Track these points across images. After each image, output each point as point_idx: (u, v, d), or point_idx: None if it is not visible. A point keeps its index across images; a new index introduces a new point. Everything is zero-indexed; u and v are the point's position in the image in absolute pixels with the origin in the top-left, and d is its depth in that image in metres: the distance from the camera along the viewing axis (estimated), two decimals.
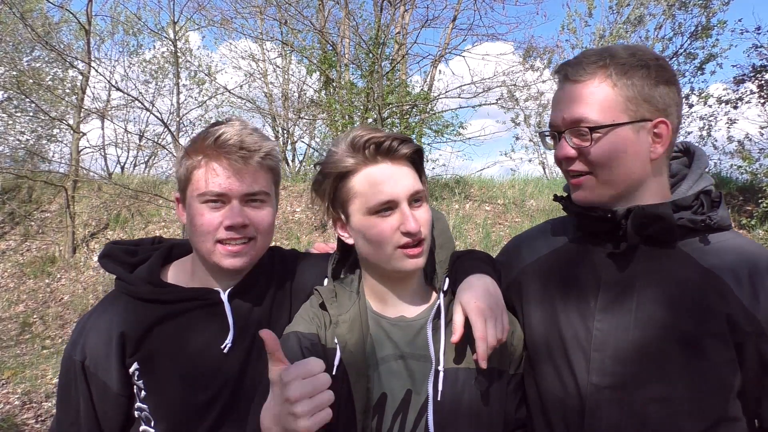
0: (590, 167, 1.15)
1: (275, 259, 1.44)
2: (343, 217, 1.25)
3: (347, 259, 1.36)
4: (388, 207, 1.18)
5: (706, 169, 1.22)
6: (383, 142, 1.18)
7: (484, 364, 1.09)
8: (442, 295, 1.25)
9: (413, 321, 1.26)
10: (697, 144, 1.30)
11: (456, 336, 1.14)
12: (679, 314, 1.10)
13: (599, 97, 1.11)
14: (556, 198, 1.29)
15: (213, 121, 1.37)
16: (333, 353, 1.19)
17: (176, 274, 1.38)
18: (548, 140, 1.24)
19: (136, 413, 1.30)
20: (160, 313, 1.29)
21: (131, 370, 1.27)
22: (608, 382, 1.13)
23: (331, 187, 1.23)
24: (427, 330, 1.22)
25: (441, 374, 1.18)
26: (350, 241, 1.27)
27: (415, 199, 1.20)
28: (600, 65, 1.12)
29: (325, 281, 1.35)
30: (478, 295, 1.15)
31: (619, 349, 1.13)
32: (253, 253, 1.30)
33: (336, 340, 1.20)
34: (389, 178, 1.18)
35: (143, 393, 1.27)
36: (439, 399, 1.17)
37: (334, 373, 1.16)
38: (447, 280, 1.27)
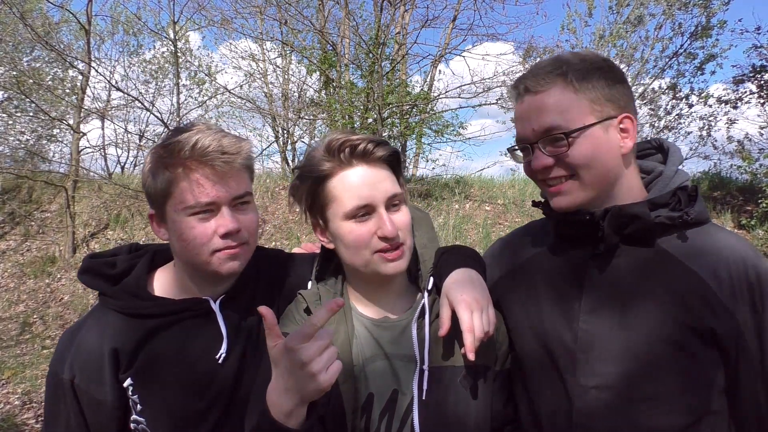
0: (571, 170, 1.16)
1: (262, 262, 1.41)
2: (321, 222, 1.24)
3: (331, 261, 1.35)
4: (365, 212, 1.17)
5: (681, 165, 1.24)
6: (358, 144, 1.17)
7: (472, 356, 1.09)
8: (426, 294, 1.25)
9: (398, 321, 1.26)
10: (672, 141, 1.33)
11: (443, 330, 1.14)
12: (663, 314, 1.11)
13: (565, 103, 1.14)
14: (534, 203, 1.30)
15: (213, 121, 1.32)
16: None
17: (162, 284, 1.36)
18: (518, 154, 1.24)
19: (132, 425, 1.29)
20: (151, 326, 1.27)
21: (125, 384, 1.26)
22: (596, 383, 1.15)
23: (308, 191, 1.22)
24: (411, 330, 1.22)
25: (426, 373, 1.18)
26: (330, 246, 1.26)
27: (392, 203, 1.19)
28: (558, 73, 1.15)
29: (309, 284, 1.34)
30: (464, 289, 1.15)
31: (604, 350, 1.15)
32: (247, 255, 1.29)
33: None
34: (365, 182, 1.17)
35: (138, 407, 1.26)
36: (424, 398, 1.17)
37: None
38: (431, 279, 1.27)
